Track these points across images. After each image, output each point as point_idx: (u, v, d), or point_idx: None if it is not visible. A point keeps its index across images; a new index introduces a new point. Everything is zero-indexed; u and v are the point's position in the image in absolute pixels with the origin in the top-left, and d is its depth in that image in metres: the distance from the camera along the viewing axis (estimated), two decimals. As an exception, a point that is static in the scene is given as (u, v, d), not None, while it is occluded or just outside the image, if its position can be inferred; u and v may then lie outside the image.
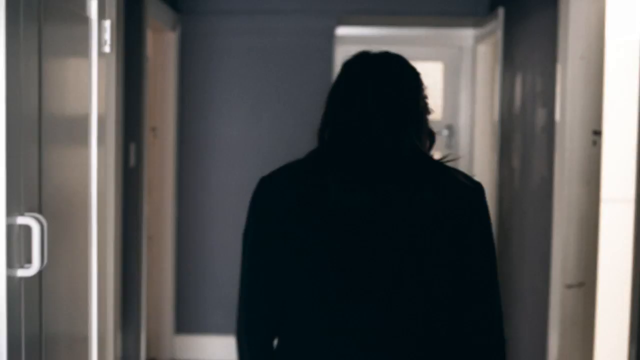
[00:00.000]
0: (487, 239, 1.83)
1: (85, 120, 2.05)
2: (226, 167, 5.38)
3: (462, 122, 5.78)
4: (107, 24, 2.07)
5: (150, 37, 5.13)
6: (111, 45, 2.11)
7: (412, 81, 1.89)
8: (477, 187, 1.85)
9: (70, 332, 2.27)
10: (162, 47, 5.19)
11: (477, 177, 5.24)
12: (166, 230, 5.23)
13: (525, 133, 4.15)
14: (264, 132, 5.35)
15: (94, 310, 2.22)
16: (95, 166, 2.08)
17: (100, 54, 2.06)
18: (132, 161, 4.18)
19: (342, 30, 5.64)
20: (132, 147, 4.19)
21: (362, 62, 1.88)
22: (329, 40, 5.37)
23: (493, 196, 4.84)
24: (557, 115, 3.51)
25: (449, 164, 1.87)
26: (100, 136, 2.11)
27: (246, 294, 1.88)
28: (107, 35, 2.08)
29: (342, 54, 5.65)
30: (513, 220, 4.39)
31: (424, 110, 1.90)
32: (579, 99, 3.41)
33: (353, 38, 5.70)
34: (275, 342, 1.89)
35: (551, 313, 3.54)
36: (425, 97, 1.92)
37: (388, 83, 1.84)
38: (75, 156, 2.03)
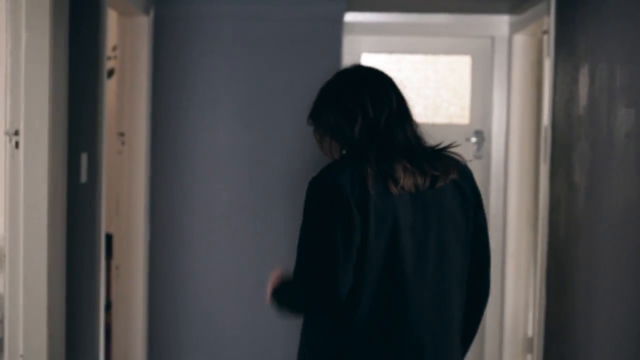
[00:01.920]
0: (485, 214, 2.23)
1: None
2: (210, 180, 4.58)
3: (495, 127, 4.86)
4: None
5: (114, 21, 4.40)
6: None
7: None
8: (471, 171, 2.22)
9: None
10: (132, 34, 4.42)
11: (515, 195, 4.79)
12: (136, 258, 4.50)
13: (596, 140, 3.21)
14: (257, 137, 4.55)
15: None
16: None
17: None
18: (83, 175, 3.25)
19: (351, 16, 4.80)
20: (84, 158, 3.26)
21: (374, 70, 2.23)
22: (337, 27, 4.56)
23: (544, 219, 3.88)
24: (658, 117, 2.56)
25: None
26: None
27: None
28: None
29: (351, 45, 4.81)
30: (577, 254, 3.44)
31: None
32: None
33: (364, 25, 4.82)
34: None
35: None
36: None
37: (396, 87, 2.19)
38: None
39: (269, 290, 2.24)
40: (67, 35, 2.97)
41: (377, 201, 2.04)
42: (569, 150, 3.57)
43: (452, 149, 2.17)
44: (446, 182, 2.10)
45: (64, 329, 3.08)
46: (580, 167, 3.41)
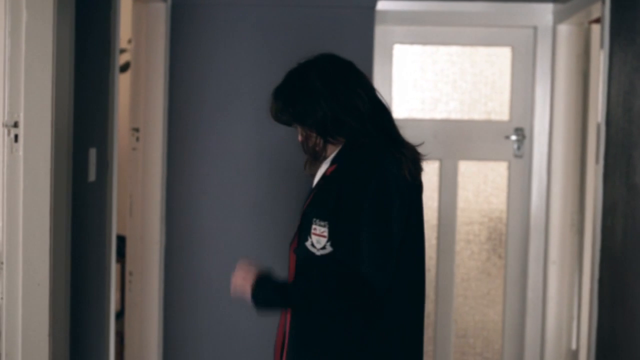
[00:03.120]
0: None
1: None
2: (231, 179, 4.32)
3: (537, 124, 4.55)
4: None
5: (127, 5, 4.16)
6: None
7: None
8: None
9: None
10: (148, 21, 4.16)
11: (559, 197, 4.54)
12: (151, 262, 4.28)
13: (664, 137, 2.88)
14: (280, 134, 4.25)
15: None
16: None
17: None
18: (92, 173, 2.97)
19: (384, 4, 4.52)
20: (92, 154, 2.98)
21: (345, 59, 2.26)
22: (368, 16, 4.27)
23: (597, 224, 3.56)
24: None
25: None
26: None
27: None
28: None
29: (382, 35, 4.55)
30: (637, 262, 3.13)
31: None
32: None
33: (398, 14, 4.55)
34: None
35: None
36: None
37: None
38: None
39: (246, 285, 2.26)
40: (73, 16, 2.70)
41: (408, 191, 2.05)
42: (628, 148, 3.25)
43: None
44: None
45: (67, 342, 2.81)
46: (643, 167, 3.09)
